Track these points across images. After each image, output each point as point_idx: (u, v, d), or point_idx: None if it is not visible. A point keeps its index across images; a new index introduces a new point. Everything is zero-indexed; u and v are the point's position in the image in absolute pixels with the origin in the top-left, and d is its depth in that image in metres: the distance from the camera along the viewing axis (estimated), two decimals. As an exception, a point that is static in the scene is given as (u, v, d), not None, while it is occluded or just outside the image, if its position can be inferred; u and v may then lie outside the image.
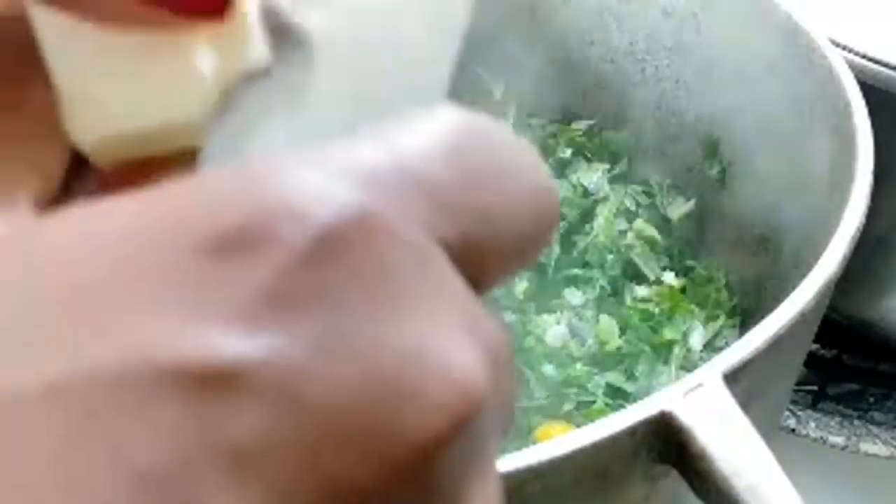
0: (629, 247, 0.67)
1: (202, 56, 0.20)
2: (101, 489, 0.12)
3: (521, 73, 0.73)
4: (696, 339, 0.62)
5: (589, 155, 0.72)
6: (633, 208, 0.69)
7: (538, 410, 0.57)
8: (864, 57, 0.65)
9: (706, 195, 0.68)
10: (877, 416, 0.77)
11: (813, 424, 0.76)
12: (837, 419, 0.77)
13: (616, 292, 0.65)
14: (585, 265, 0.66)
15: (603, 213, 0.68)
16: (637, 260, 0.66)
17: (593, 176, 0.70)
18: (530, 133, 0.73)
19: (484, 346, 0.15)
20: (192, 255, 0.13)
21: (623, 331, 0.62)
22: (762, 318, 0.41)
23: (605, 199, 0.69)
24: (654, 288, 0.65)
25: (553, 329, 0.62)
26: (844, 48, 0.64)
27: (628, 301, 0.64)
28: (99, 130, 0.21)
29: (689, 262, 0.68)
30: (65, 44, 0.21)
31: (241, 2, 0.21)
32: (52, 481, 0.12)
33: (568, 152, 0.72)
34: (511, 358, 0.16)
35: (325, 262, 0.14)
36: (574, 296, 0.64)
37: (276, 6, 0.22)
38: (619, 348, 0.61)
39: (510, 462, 0.34)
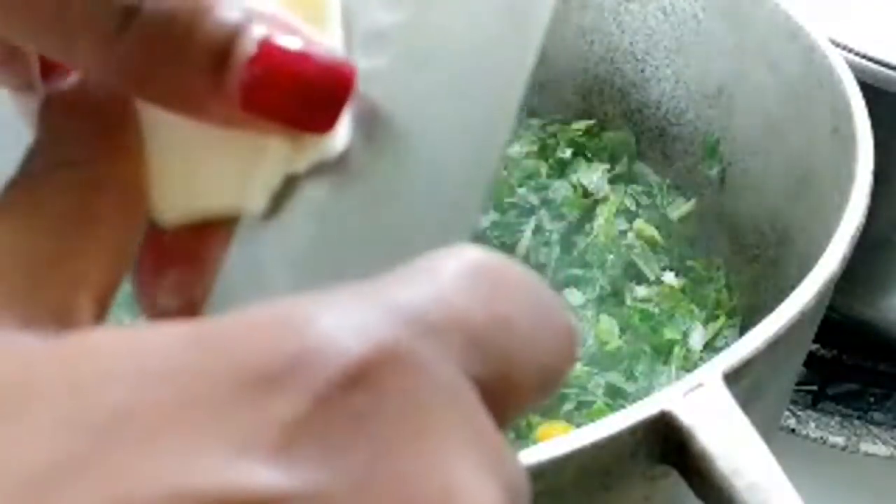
0: (629, 247, 0.67)
1: (277, 148, 0.21)
2: None
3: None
4: (696, 339, 0.62)
5: (589, 155, 0.72)
6: (633, 208, 0.69)
7: (538, 410, 0.57)
8: (864, 57, 0.65)
9: (706, 195, 0.68)
10: (877, 416, 0.77)
11: (813, 424, 0.76)
12: (837, 419, 0.77)
13: (616, 292, 0.65)
14: (585, 265, 0.66)
15: (603, 213, 0.68)
16: (637, 260, 0.66)
17: (593, 176, 0.70)
18: (530, 133, 0.73)
19: (505, 485, 0.16)
20: (236, 389, 0.14)
21: (623, 331, 0.62)
22: (762, 318, 0.41)
23: (605, 199, 0.69)
24: (654, 288, 0.65)
25: (553, 329, 0.62)
26: (844, 48, 0.64)
27: (628, 301, 0.64)
28: (180, 209, 0.22)
29: (689, 262, 0.68)
30: (163, 130, 0.22)
31: None
32: None
33: (568, 152, 0.72)
34: (528, 496, 0.17)
35: (358, 396, 0.14)
36: (574, 296, 0.64)
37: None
38: (619, 348, 0.61)
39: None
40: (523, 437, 0.56)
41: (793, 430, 0.75)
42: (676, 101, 0.70)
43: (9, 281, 0.19)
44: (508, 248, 0.66)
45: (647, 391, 0.58)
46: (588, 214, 0.68)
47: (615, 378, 0.59)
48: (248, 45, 0.20)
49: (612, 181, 0.70)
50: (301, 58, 0.20)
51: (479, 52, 0.22)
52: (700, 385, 0.37)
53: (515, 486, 0.16)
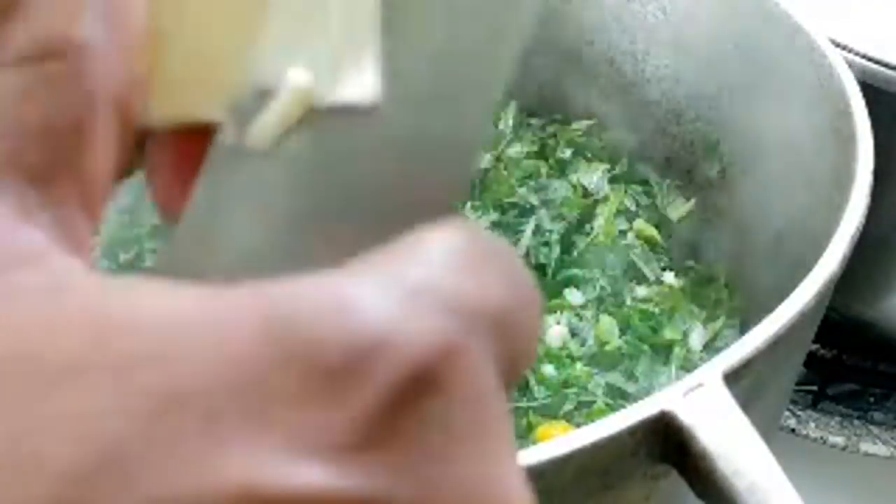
0: (629, 247, 0.67)
1: (300, 81, 0.19)
2: None
3: (522, 73, 0.73)
4: (696, 339, 0.62)
5: (589, 155, 0.72)
6: (633, 208, 0.69)
7: (538, 410, 0.57)
8: (864, 57, 0.65)
9: (706, 195, 0.68)
10: (877, 416, 0.77)
11: (813, 424, 0.76)
12: (837, 419, 0.77)
13: (616, 292, 0.65)
14: (585, 265, 0.66)
15: (603, 213, 0.68)
16: (637, 260, 0.66)
17: (593, 176, 0.70)
18: (530, 133, 0.73)
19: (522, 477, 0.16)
20: (305, 381, 0.14)
21: (623, 331, 0.62)
22: (762, 318, 0.41)
23: (605, 199, 0.69)
24: (654, 288, 0.65)
25: (553, 329, 0.62)
26: (844, 48, 0.64)
27: (628, 301, 0.64)
28: (178, 115, 0.20)
29: (689, 262, 0.68)
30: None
31: (360, 15, 0.20)
32: None
33: (568, 152, 0.72)
34: None
35: (424, 398, 0.14)
36: (574, 296, 0.64)
37: None
38: (619, 348, 0.61)
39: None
40: (523, 437, 0.56)
41: (793, 430, 0.75)
42: (676, 101, 0.70)
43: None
44: (508, 248, 0.66)
45: (647, 391, 0.58)
46: (588, 214, 0.68)
47: (615, 378, 0.59)
48: None
49: (612, 181, 0.70)
50: None
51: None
52: (700, 385, 0.37)
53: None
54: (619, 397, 0.58)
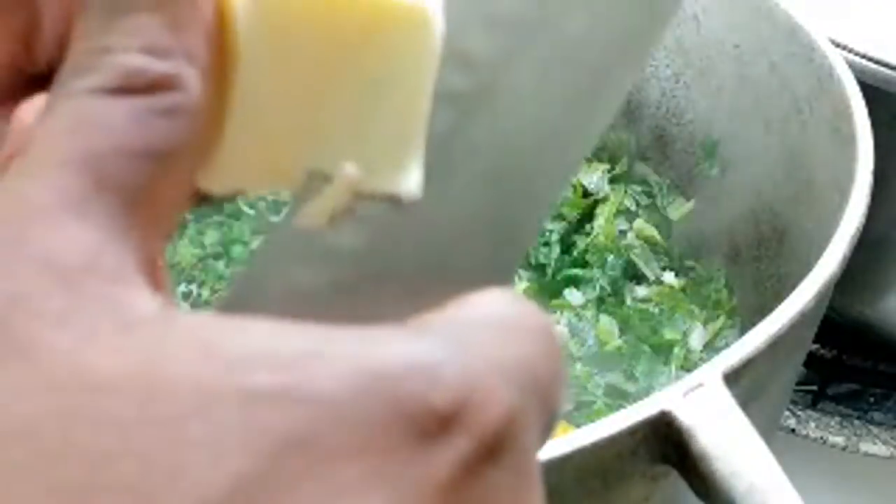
0: (629, 247, 0.67)
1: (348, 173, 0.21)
2: None
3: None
4: (696, 339, 0.62)
5: (589, 155, 0.72)
6: (633, 208, 0.69)
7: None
8: (864, 57, 0.65)
9: (706, 195, 0.68)
10: (877, 416, 0.77)
11: (813, 424, 0.76)
12: (837, 419, 0.77)
13: (616, 292, 0.65)
14: (585, 265, 0.66)
15: (603, 213, 0.68)
16: (637, 260, 0.66)
17: (593, 176, 0.70)
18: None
19: None
20: (399, 439, 0.16)
21: (623, 331, 0.62)
22: (762, 318, 0.41)
23: (605, 199, 0.69)
24: (654, 288, 0.65)
25: (553, 329, 0.62)
26: (844, 48, 0.64)
27: (628, 301, 0.64)
28: (235, 188, 0.22)
29: (689, 262, 0.68)
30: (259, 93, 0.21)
31: (410, 120, 0.22)
32: None
33: (568, 152, 0.72)
34: None
35: (489, 465, 0.16)
36: (574, 296, 0.64)
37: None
38: (619, 348, 0.61)
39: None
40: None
41: (793, 430, 0.75)
42: (676, 101, 0.70)
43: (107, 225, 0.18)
44: (508, 248, 0.66)
45: (647, 391, 0.58)
46: (588, 214, 0.68)
47: (615, 378, 0.59)
48: None
49: (612, 181, 0.70)
50: None
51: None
52: (700, 385, 0.37)
53: None
54: (619, 397, 0.58)
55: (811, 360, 0.77)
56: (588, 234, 0.67)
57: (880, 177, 0.50)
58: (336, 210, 0.21)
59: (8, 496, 0.15)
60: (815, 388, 0.78)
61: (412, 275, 0.21)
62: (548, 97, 0.23)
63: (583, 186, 0.70)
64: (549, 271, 0.65)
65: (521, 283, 0.64)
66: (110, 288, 0.17)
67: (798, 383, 0.77)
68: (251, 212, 0.68)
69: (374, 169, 0.21)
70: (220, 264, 0.66)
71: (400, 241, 0.21)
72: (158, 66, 0.19)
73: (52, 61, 0.25)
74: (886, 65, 0.65)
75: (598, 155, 0.72)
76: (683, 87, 0.69)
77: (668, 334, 0.62)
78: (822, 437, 0.75)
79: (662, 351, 0.61)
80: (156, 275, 0.19)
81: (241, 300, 0.20)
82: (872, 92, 0.57)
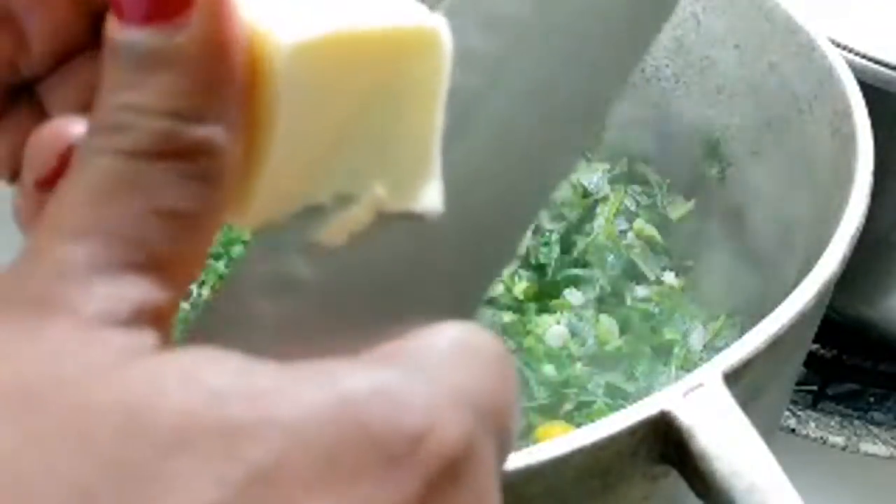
0: (629, 247, 0.67)
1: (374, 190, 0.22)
2: None
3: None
4: (696, 339, 0.62)
5: (589, 155, 0.72)
6: (633, 208, 0.69)
7: (538, 410, 0.57)
8: (864, 57, 0.65)
9: (706, 195, 0.68)
10: (877, 416, 0.77)
11: (813, 424, 0.76)
12: (837, 419, 0.77)
13: (616, 292, 0.65)
14: (585, 265, 0.66)
15: (603, 213, 0.68)
16: (637, 260, 0.66)
17: (593, 176, 0.70)
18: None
19: None
20: (367, 465, 0.17)
21: (623, 331, 0.62)
22: (762, 318, 0.41)
23: (605, 199, 0.69)
24: (654, 288, 0.65)
25: (553, 329, 0.62)
26: (844, 48, 0.64)
27: (628, 301, 0.64)
28: (261, 223, 0.23)
29: (689, 262, 0.68)
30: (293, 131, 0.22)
31: (427, 137, 0.22)
32: None
33: (568, 152, 0.72)
34: None
35: (450, 487, 0.18)
36: (574, 296, 0.64)
37: None
38: (619, 348, 0.61)
39: (510, 462, 0.34)
40: (523, 437, 0.56)
41: (793, 430, 0.75)
42: (676, 101, 0.70)
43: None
44: (508, 248, 0.66)
45: (647, 391, 0.58)
46: (588, 214, 0.68)
47: (615, 378, 0.59)
48: None
49: (612, 181, 0.70)
50: None
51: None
52: (700, 385, 0.37)
53: None
54: (619, 397, 0.58)
55: (811, 360, 0.77)
56: (588, 234, 0.67)
57: (880, 177, 0.50)
58: (357, 229, 0.22)
59: None
60: (815, 388, 0.78)
61: (372, 308, 0.22)
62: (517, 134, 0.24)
63: (583, 186, 0.70)
64: (549, 271, 0.65)
65: (521, 283, 0.64)
66: (117, 336, 0.18)
67: (798, 383, 0.77)
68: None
69: (397, 187, 0.22)
70: (221, 264, 0.66)
71: (361, 275, 0.22)
72: (191, 132, 0.20)
73: (37, 75, 0.25)
74: (886, 65, 0.65)
75: (598, 155, 0.72)
76: (683, 87, 0.69)
77: (668, 334, 0.62)
78: (822, 437, 0.75)
79: (662, 351, 0.61)
80: (166, 324, 0.20)
81: (210, 327, 0.21)
82: (872, 92, 0.57)
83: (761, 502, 0.34)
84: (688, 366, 0.60)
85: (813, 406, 0.77)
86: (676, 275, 0.67)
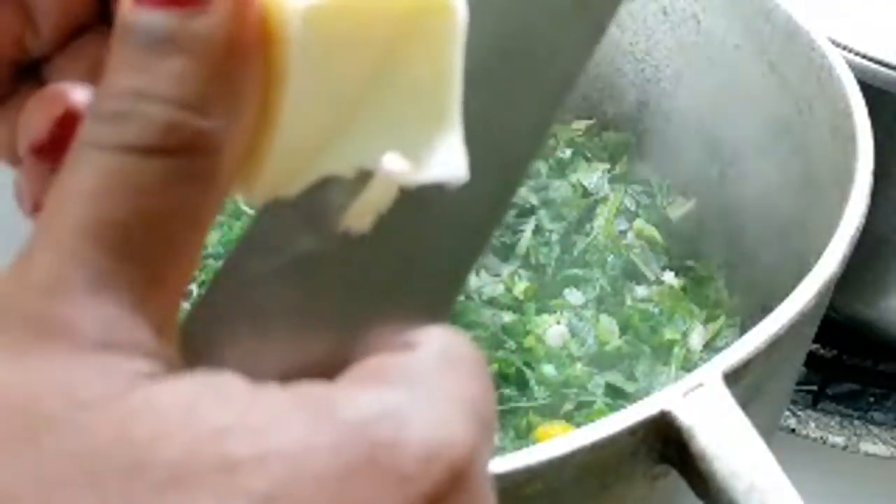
0: (629, 247, 0.67)
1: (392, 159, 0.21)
2: None
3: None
4: (696, 339, 0.62)
5: (589, 155, 0.72)
6: (633, 208, 0.69)
7: (538, 410, 0.57)
8: (864, 57, 0.65)
9: (706, 195, 0.68)
10: (877, 416, 0.77)
11: (813, 424, 0.76)
12: (837, 419, 0.77)
13: (616, 292, 0.65)
14: (585, 265, 0.66)
15: (603, 213, 0.68)
16: (637, 260, 0.66)
17: (593, 176, 0.70)
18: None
19: None
20: (380, 481, 0.17)
21: (623, 331, 0.62)
22: (762, 318, 0.41)
23: (605, 199, 0.69)
24: (654, 288, 0.65)
25: (553, 329, 0.62)
26: (844, 48, 0.64)
27: (628, 301, 0.64)
28: (273, 194, 0.22)
29: (689, 262, 0.68)
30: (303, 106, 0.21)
31: (447, 106, 0.22)
32: None
33: (568, 152, 0.72)
34: None
35: (462, 485, 0.18)
36: (574, 296, 0.64)
37: None
38: (619, 348, 0.61)
39: (510, 462, 0.34)
40: (523, 437, 0.56)
41: (793, 430, 0.75)
42: (676, 101, 0.70)
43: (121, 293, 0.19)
44: (508, 248, 0.66)
45: (647, 391, 0.58)
46: (588, 214, 0.68)
47: (615, 378, 0.59)
48: None
49: (612, 181, 0.70)
50: None
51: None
52: (700, 385, 0.37)
53: None
54: (619, 397, 0.58)
55: (811, 360, 0.77)
56: (588, 234, 0.67)
57: (880, 177, 0.50)
58: (382, 207, 0.21)
59: None
60: (815, 388, 0.78)
61: (371, 293, 0.22)
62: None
63: (583, 186, 0.70)
64: (549, 271, 0.65)
65: (521, 283, 0.64)
66: (115, 362, 0.18)
67: (798, 383, 0.77)
68: (251, 212, 0.68)
69: (419, 157, 0.22)
70: (220, 264, 0.66)
71: (366, 257, 0.22)
72: (195, 124, 0.19)
73: (45, 54, 0.25)
74: (886, 65, 0.65)
75: (598, 155, 0.72)
76: (683, 87, 0.69)
77: (668, 334, 0.62)
78: (822, 437, 0.75)
79: (662, 351, 0.61)
80: (169, 332, 0.19)
81: (207, 324, 0.21)
82: (872, 92, 0.57)
83: (761, 502, 0.34)
84: (688, 366, 0.60)
85: (813, 406, 0.77)
86: (676, 275, 0.67)
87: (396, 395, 0.18)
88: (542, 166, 0.71)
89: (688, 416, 0.36)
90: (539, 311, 0.63)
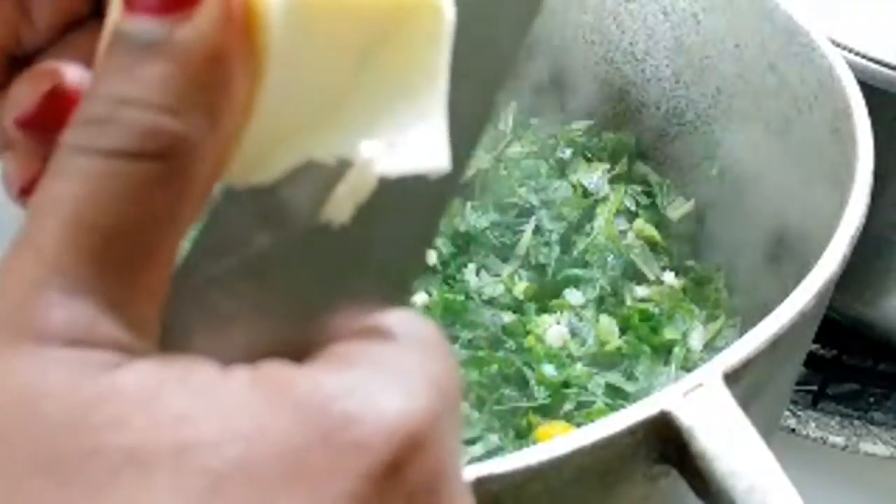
0: (629, 247, 0.67)
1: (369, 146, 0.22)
2: None
3: (522, 74, 0.73)
4: (696, 339, 0.62)
5: (589, 155, 0.72)
6: (633, 208, 0.69)
7: (538, 410, 0.57)
8: (864, 57, 0.65)
9: (706, 195, 0.68)
10: (877, 416, 0.77)
11: (813, 424, 0.76)
12: (837, 419, 0.77)
13: (616, 292, 0.65)
14: (585, 265, 0.66)
15: (603, 213, 0.68)
16: (637, 260, 0.66)
17: (593, 176, 0.70)
18: (530, 133, 0.73)
19: None
20: (324, 467, 0.18)
21: (623, 331, 0.62)
22: (762, 318, 0.41)
23: (605, 199, 0.69)
24: (654, 288, 0.65)
25: (553, 329, 0.62)
26: (844, 48, 0.64)
27: (628, 301, 0.64)
28: (256, 180, 0.22)
29: (689, 262, 0.68)
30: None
31: (432, 99, 0.22)
32: None
33: (568, 152, 0.72)
34: None
35: (410, 471, 0.18)
36: (574, 296, 0.64)
37: None
38: (619, 348, 0.61)
39: (510, 462, 0.34)
40: (523, 437, 0.56)
41: (793, 430, 0.75)
42: (676, 101, 0.70)
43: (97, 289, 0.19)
44: (508, 248, 0.66)
45: (647, 391, 0.58)
46: (588, 214, 0.68)
47: (615, 378, 0.59)
48: None
49: (612, 181, 0.70)
50: None
51: None
52: (700, 385, 0.37)
53: None
54: (619, 397, 0.58)
55: (811, 360, 0.77)
56: (588, 234, 0.67)
57: (880, 177, 0.50)
58: (362, 196, 0.22)
59: None
60: (815, 388, 0.78)
61: (331, 280, 0.22)
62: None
63: (583, 186, 0.70)
64: (549, 271, 0.65)
65: (521, 283, 0.64)
66: (84, 353, 0.18)
67: (798, 383, 0.77)
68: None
69: (399, 148, 0.22)
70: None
71: (310, 251, 0.22)
72: (174, 129, 0.19)
73: (39, 47, 0.25)
74: (886, 65, 0.65)
75: (598, 155, 0.72)
76: (683, 87, 0.69)
77: (668, 334, 0.62)
78: (822, 437, 0.75)
79: (662, 351, 0.61)
80: (150, 332, 0.20)
81: (174, 291, 0.21)
82: (872, 92, 0.57)
83: (761, 502, 0.34)
84: (688, 366, 0.60)
85: (813, 406, 0.77)
86: (676, 275, 0.67)
87: (357, 375, 0.19)
88: (542, 166, 0.70)
89: (688, 416, 0.36)
90: (539, 311, 0.63)
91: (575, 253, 0.66)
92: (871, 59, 0.65)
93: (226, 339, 0.21)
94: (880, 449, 0.75)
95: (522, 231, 0.67)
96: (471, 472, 0.33)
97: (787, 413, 0.76)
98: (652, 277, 0.66)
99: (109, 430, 0.17)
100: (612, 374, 0.60)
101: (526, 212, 0.68)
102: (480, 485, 0.33)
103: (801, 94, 0.59)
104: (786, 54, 0.60)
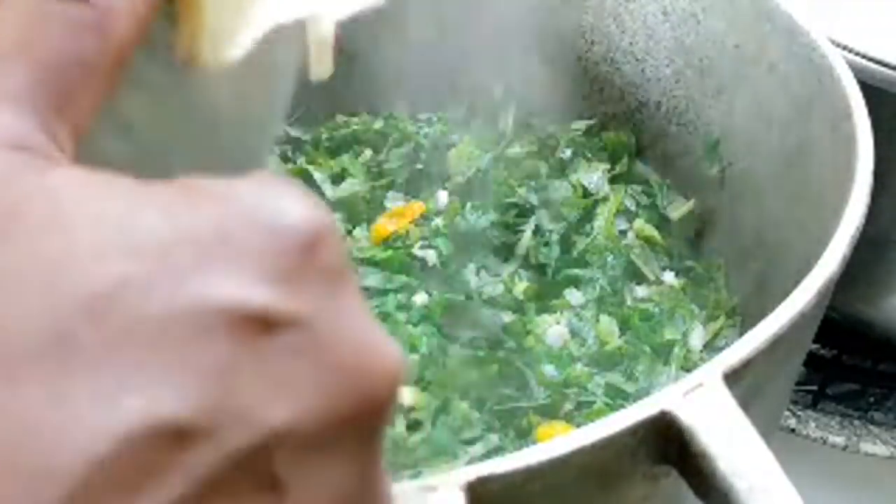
0: (629, 247, 0.67)
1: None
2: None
3: (522, 73, 0.73)
4: (696, 339, 0.62)
5: (589, 155, 0.72)
6: (633, 208, 0.69)
7: (538, 410, 0.57)
8: (864, 57, 0.65)
9: (706, 195, 0.68)
10: (877, 416, 0.78)
11: (813, 424, 0.76)
12: (837, 419, 0.77)
13: (616, 292, 0.65)
14: (585, 265, 0.66)
15: (603, 213, 0.68)
16: (637, 260, 0.66)
17: (593, 176, 0.70)
18: (530, 133, 0.73)
19: None
20: (255, 238, 0.19)
21: (623, 331, 0.62)
22: (762, 318, 0.41)
23: (605, 199, 0.69)
24: (654, 288, 0.65)
25: (553, 329, 0.62)
26: (844, 48, 0.64)
27: (628, 301, 0.64)
28: (217, 60, 0.24)
29: (689, 262, 0.68)
30: None
31: None
32: None
33: (568, 152, 0.72)
34: None
35: (321, 254, 0.20)
36: (574, 296, 0.64)
37: None
38: (619, 348, 0.61)
39: (510, 462, 0.34)
40: (523, 437, 0.56)
41: (793, 430, 0.75)
42: (676, 101, 0.70)
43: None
44: (508, 248, 0.67)
45: (647, 391, 0.58)
46: (588, 214, 0.68)
47: (615, 378, 0.59)
48: None
49: (612, 181, 0.70)
50: None
51: None
52: (700, 385, 0.37)
53: None
54: (619, 397, 0.58)
55: (811, 360, 0.77)
56: (588, 234, 0.67)
57: (880, 177, 0.50)
58: (330, 44, 0.24)
59: None
60: (815, 388, 0.78)
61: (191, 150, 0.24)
62: None
63: (583, 186, 0.70)
64: (549, 271, 0.65)
65: (521, 283, 0.64)
66: (30, 157, 0.20)
67: (798, 383, 0.77)
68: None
69: None
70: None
71: (181, 119, 0.24)
72: None
73: None
74: (886, 65, 0.65)
75: (598, 155, 0.72)
76: (683, 87, 0.69)
77: (668, 334, 0.62)
78: (822, 437, 0.75)
79: (662, 351, 0.61)
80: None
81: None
82: (872, 92, 0.57)
83: (761, 502, 0.34)
84: (688, 366, 0.60)
85: (813, 406, 0.77)
86: (676, 275, 0.67)
87: (258, 181, 0.20)
88: (542, 166, 0.71)
89: (688, 416, 0.36)
90: (539, 311, 0.63)
91: (575, 253, 0.66)
92: (871, 59, 0.65)
93: None
94: (880, 449, 0.75)
95: (522, 231, 0.67)
96: (471, 472, 0.33)
97: (787, 413, 0.76)
98: (652, 277, 0.66)
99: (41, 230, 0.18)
100: (612, 374, 0.60)
101: (526, 212, 0.68)
102: (480, 485, 0.33)
103: (801, 94, 0.59)
104: (786, 54, 0.60)
